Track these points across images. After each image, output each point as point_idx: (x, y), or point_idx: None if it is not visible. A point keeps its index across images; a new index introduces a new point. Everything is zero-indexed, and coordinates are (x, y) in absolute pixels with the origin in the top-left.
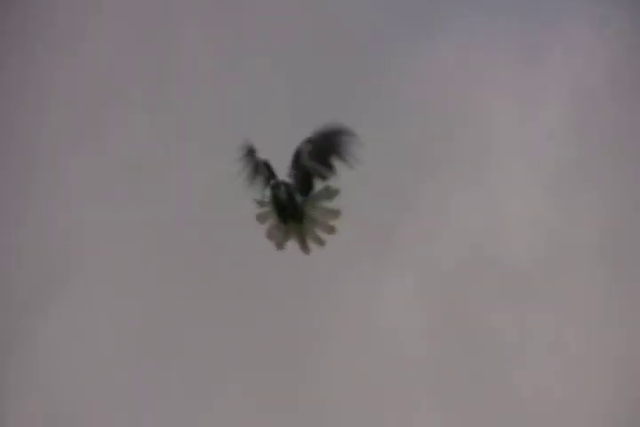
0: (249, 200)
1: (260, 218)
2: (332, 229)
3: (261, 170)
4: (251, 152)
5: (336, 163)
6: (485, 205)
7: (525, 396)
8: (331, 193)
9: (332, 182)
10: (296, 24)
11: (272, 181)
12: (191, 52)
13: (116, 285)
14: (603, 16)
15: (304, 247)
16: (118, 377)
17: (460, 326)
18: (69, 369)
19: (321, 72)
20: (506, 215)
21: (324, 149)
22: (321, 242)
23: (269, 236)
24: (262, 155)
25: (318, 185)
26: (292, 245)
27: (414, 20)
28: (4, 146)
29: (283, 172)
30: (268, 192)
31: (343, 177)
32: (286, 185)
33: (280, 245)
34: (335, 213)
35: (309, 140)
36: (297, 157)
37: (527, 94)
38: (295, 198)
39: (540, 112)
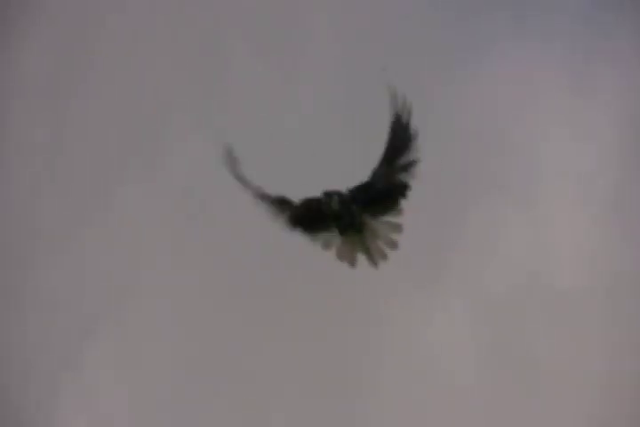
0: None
1: (325, 244)
2: (394, 244)
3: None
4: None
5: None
6: (536, 233)
7: (573, 424)
8: (395, 210)
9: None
10: (343, 48)
11: (324, 192)
12: (242, 77)
13: (173, 316)
14: None
15: (371, 259)
16: (179, 412)
17: (508, 354)
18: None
19: (373, 100)
20: (555, 243)
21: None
22: (384, 256)
23: (340, 256)
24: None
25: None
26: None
27: (467, 47)
28: (52, 174)
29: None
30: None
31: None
32: (339, 195)
33: (351, 261)
34: (397, 227)
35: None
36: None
37: (579, 122)
38: (351, 208)
39: (591, 141)
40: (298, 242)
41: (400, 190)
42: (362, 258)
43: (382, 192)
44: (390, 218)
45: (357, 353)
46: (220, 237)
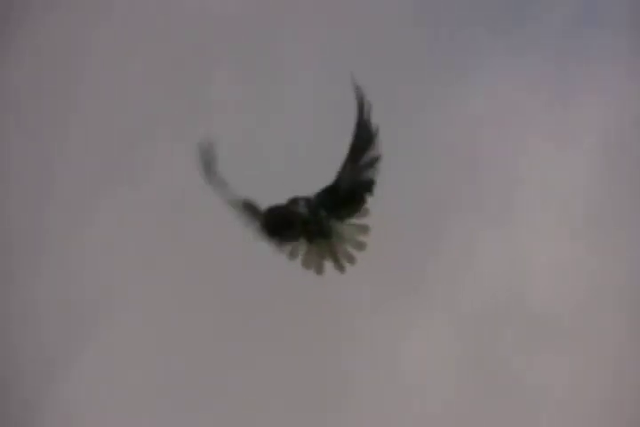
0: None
1: (291, 253)
2: (362, 246)
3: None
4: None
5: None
6: (513, 248)
7: None
8: (361, 213)
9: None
10: (319, 71)
11: (290, 198)
12: (222, 94)
13: (145, 334)
14: (635, 58)
15: (338, 265)
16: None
17: (486, 369)
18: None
19: (348, 114)
20: (533, 258)
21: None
22: (352, 260)
23: (305, 264)
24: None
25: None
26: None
27: (444, 60)
28: (27, 190)
29: None
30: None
31: (371, 217)
32: (306, 200)
33: (318, 269)
34: (364, 229)
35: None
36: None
37: (557, 137)
38: (319, 213)
39: (569, 156)
40: (268, 252)
41: (366, 187)
42: (336, 273)
43: (348, 192)
44: (357, 220)
45: (334, 369)
46: (200, 250)
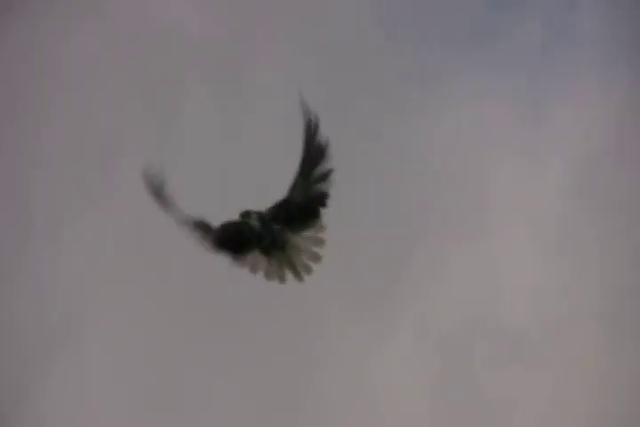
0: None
1: (252, 267)
2: (317, 257)
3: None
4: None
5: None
6: (483, 266)
7: None
8: (317, 226)
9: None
10: (296, 82)
11: (241, 213)
12: (194, 111)
13: (116, 342)
14: (609, 76)
15: (296, 275)
16: None
17: (457, 384)
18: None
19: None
20: (504, 276)
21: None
22: (309, 270)
23: (268, 276)
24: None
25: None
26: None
27: (415, 77)
28: (4, 205)
29: None
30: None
31: (344, 233)
32: (258, 214)
33: (281, 279)
34: (319, 240)
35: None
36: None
37: (530, 154)
38: (271, 227)
39: (541, 171)
40: (227, 266)
41: (319, 200)
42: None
43: (302, 206)
44: (312, 233)
45: (303, 383)
46: (165, 265)
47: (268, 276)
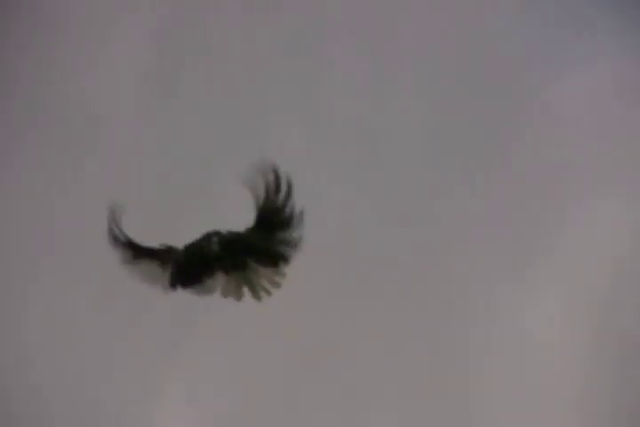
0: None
1: (209, 289)
2: (277, 284)
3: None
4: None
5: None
6: None
7: None
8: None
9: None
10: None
11: (203, 234)
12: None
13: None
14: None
15: (255, 295)
16: None
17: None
18: None
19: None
20: None
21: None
22: (268, 292)
23: (224, 293)
24: None
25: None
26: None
27: None
28: None
29: None
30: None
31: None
32: (218, 235)
33: (238, 296)
34: (280, 274)
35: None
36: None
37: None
38: (233, 248)
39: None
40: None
41: (281, 258)
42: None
43: (262, 250)
44: (271, 273)
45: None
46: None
47: (224, 293)
